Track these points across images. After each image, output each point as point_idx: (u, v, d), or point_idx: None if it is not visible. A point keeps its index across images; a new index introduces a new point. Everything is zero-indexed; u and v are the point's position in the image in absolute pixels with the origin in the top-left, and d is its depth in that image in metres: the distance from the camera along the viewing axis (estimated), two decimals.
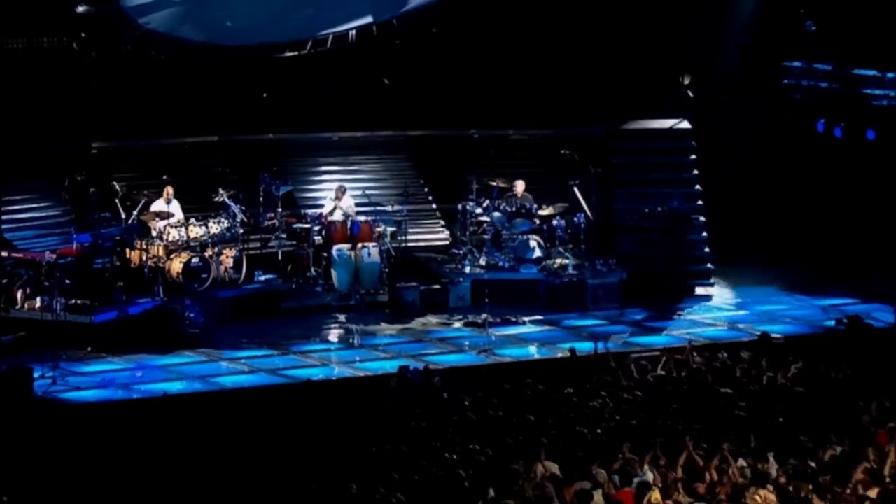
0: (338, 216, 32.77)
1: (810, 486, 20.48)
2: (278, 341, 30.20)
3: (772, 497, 20.39)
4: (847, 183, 35.19)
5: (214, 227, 31.60)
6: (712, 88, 35.85)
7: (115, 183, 31.66)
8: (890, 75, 35.10)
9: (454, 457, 22.76)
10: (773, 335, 30.05)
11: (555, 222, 33.58)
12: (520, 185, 33.99)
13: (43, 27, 30.89)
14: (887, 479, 20.73)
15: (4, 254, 30.38)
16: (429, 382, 26.15)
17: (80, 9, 30.58)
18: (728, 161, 35.44)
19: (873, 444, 22.12)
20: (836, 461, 21.81)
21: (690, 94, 35.47)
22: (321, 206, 33.24)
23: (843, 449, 22.15)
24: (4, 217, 31.51)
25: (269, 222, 32.46)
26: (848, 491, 20.51)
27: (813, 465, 21.57)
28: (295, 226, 32.68)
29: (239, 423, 24.82)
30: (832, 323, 30.85)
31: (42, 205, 32.32)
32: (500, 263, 33.15)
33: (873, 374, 26.70)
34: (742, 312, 32.95)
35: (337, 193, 33.10)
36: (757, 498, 20.42)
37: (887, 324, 30.49)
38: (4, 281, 30.03)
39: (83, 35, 30.96)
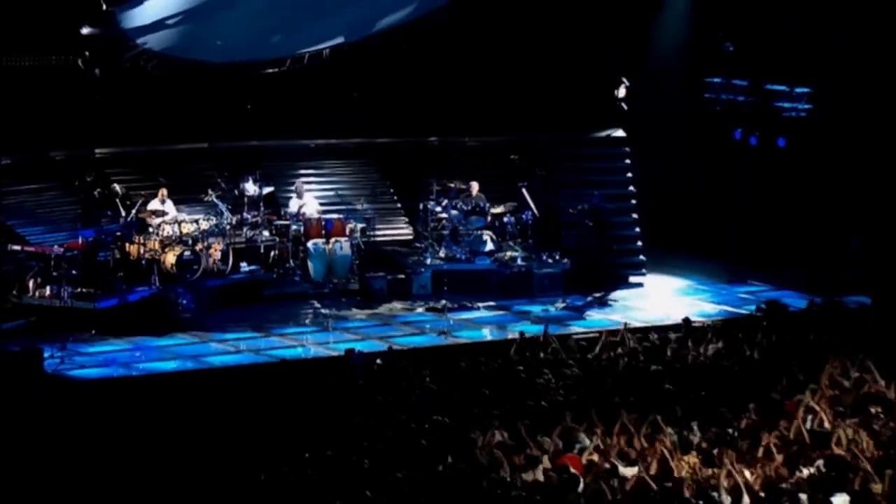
0: (311, 213, 32.66)
1: (729, 451, 20.46)
2: (261, 325, 30.17)
3: (695, 461, 20.38)
4: (761, 185, 35.25)
5: (204, 224, 31.54)
6: (643, 101, 35.55)
7: (115, 185, 31.83)
8: (798, 90, 35.26)
9: (416, 427, 22.55)
10: (697, 319, 30.09)
11: (505, 219, 33.72)
12: (475, 186, 34.07)
13: (51, 47, 30.93)
14: (793, 444, 20.78)
15: (17, 247, 30.32)
16: (373, 364, 26.15)
17: (85, 30, 30.46)
18: (657, 165, 35.27)
19: (783, 413, 22.14)
20: (750, 429, 21.79)
21: (624, 106, 35.34)
22: (296, 203, 32.97)
23: (757, 418, 22.18)
24: (18, 215, 31.38)
25: (253, 219, 32.23)
26: (760, 454, 20.52)
27: (731, 432, 21.61)
28: (276, 222, 32.63)
29: (226, 397, 24.81)
30: (751, 308, 30.78)
31: (50, 204, 32.04)
32: (458, 256, 33.13)
33: (785, 352, 26.67)
34: (670, 299, 32.74)
35: (298, 192, 33.15)
36: (682, 462, 20.34)
37: (797, 308, 30.25)
38: (18, 271, 29.95)
39: (87, 53, 30.84)
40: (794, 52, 35.23)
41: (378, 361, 26.27)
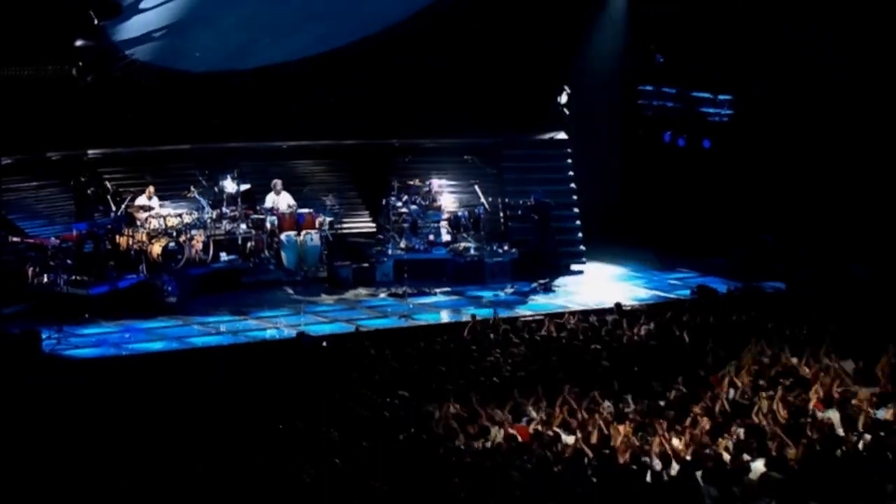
0: (284, 208, 32.58)
1: (659, 420, 20.56)
2: (239, 309, 30.09)
3: (629, 430, 20.38)
4: (688, 181, 35.28)
5: (187, 218, 31.59)
6: (583, 107, 35.59)
7: (106, 183, 31.72)
8: (721, 97, 35.37)
9: (380, 401, 22.55)
10: (632, 303, 30.40)
11: (460, 213, 33.75)
12: (433, 184, 34.18)
13: (48, 58, 30.69)
14: (717, 414, 20.91)
15: (17, 239, 30.26)
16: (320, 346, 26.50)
17: (78, 43, 30.32)
18: (595, 164, 35.32)
19: (708, 387, 22.32)
20: (678, 401, 21.86)
21: (566, 111, 35.36)
22: (271, 199, 32.94)
23: (685, 391, 22.29)
24: (17, 210, 31.28)
25: (231, 214, 32.23)
26: (687, 423, 20.62)
27: (661, 404, 21.71)
28: (252, 216, 32.46)
29: (207, 374, 24.85)
30: (680, 293, 31.11)
31: (47, 200, 32.05)
32: (417, 246, 33.14)
33: (709, 332, 26.77)
34: (608, 285, 32.81)
35: (275, 189, 32.94)
36: (618, 431, 20.38)
37: (719, 292, 30.41)
38: (18, 261, 29.97)
39: (81, 64, 30.65)
40: (717, 63, 35.33)
41: (324, 343, 26.46)
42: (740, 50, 34.28)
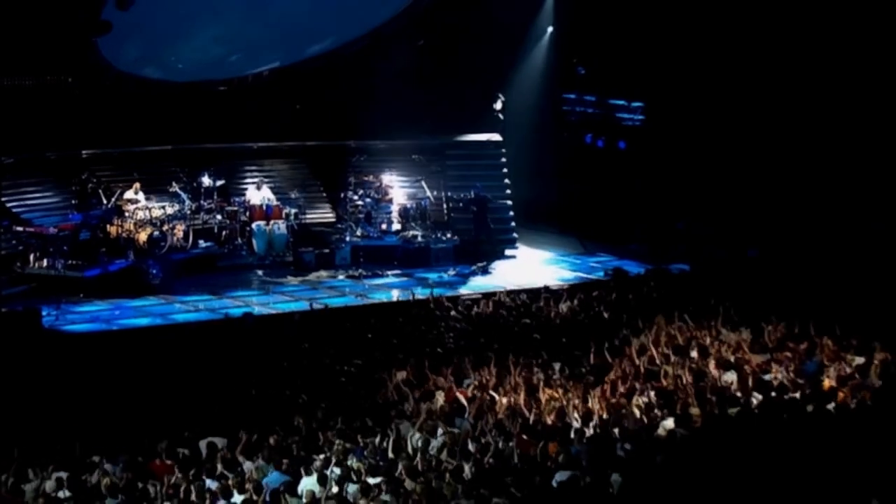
0: (256, 201, 32.42)
1: (581, 384, 20.64)
2: (215, 289, 29.89)
3: (555, 392, 20.43)
4: (606, 177, 35.43)
5: (169, 210, 31.43)
6: (515, 112, 35.61)
7: (98, 179, 31.62)
8: (634, 104, 35.80)
9: (338, 368, 22.68)
10: (558, 283, 30.34)
11: (408, 205, 33.71)
12: (384, 179, 34.08)
13: (47, 69, 30.66)
14: (631, 379, 21.12)
15: (20, 228, 30.15)
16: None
17: (73, 56, 30.08)
18: (526, 162, 35.32)
19: (624, 355, 22.39)
20: (598, 367, 21.94)
21: (501, 116, 35.29)
22: (244, 194, 32.94)
23: (603, 359, 22.39)
24: (20, 203, 31.12)
25: (209, 206, 32.13)
26: (606, 386, 20.77)
27: (583, 370, 21.82)
28: (227, 208, 32.32)
29: (187, 346, 24.89)
30: (600, 274, 30.93)
31: (46, 194, 31.66)
32: (371, 234, 33.09)
33: (625, 308, 26.85)
34: (537, 268, 32.79)
35: (258, 186, 32.89)
36: (546, 393, 20.43)
37: (635, 273, 30.50)
38: (21, 247, 29.90)
39: (75, 75, 30.48)
40: (630, 75, 35.46)
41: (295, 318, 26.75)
42: (650, 63, 34.39)
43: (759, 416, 19.44)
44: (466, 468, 17.63)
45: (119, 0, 29.62)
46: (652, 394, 20.37)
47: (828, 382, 20.71)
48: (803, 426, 18.90)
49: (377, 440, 19.04)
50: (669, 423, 19.01)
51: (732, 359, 21.95)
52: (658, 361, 21.89)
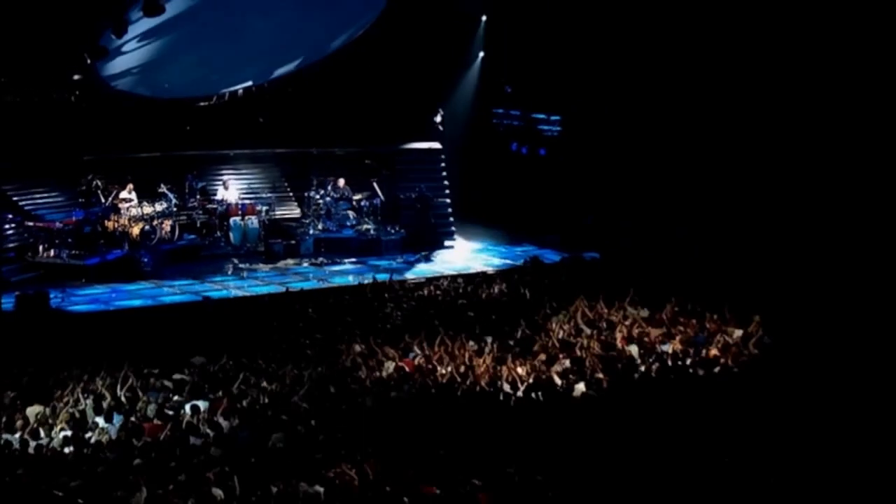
0: (231, 199, 32.36)
1: (509, 355, 20.73)
2: (198, 275, 29.81)
3: (489, 361, 20.49)
4: (530, 179, 35.53)
5: (158, 207, 31.42)
6: (453, 124, 35.69)
7: (97, 181, 31.30)
8: (553, 118, 35.92)
9: (302, 341, 22.80)
10: (489, 268, 30.53)
11: (363, 203, 33.71)
12: (342, 181, 34.01)
13: (53, 88, 30.49)
14: (550, 349, 21.22)
15: (31, 223, 30.04)
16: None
17: (76, 77, 29.99)
18: (461, 166, 35.43)
19: (544, 329, 22.56)
20: (523, 340, 22.05)
21: (441, 127, 35.35)
22: (221, 193, 32.85)
23: (527, 333, 22.50)
24: (31, 201, 30.90)
25: (192, 204, 32.06)
26: (530, 356, 20.92)
27: (511, 343, 21.89)
28: (207, 206, 32.31)
29: (171, 322, 24.90)
30: (522, 262, 30.91)
31: (53, 195, 31.52)
32: (330, 228, 33.14)
33: (545, 290, 26.92)
34: (472, 256, 32.91)
35: (225, 186, 32.89)
36: (480, 363, 20.49)
37: (553, 260, 30.64)
38: (31, 239, 29.81)
39: (77, 92, 30.40)
40: (549, 93, 35.59)
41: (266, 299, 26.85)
42: (565, 83, 34.53)
43: (656, 380, 19.66)
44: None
45: (115, 29, 29.56)
46: (567, 362, 20.49)
47: (713, 351, 20.96)
48: (693, 388, 19.16)
49: (337, 403, 19.11)
50: (581, 386, 19.16)
51: (635, 333, 22.13)
52: (573, 335, 22.06)
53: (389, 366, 21.00)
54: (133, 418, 18.51)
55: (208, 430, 17.83)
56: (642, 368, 20.26)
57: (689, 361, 20.35)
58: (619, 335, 21.82)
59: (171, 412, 18.66)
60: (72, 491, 15.10)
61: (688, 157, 31.28)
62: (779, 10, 28.94)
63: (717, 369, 19.92)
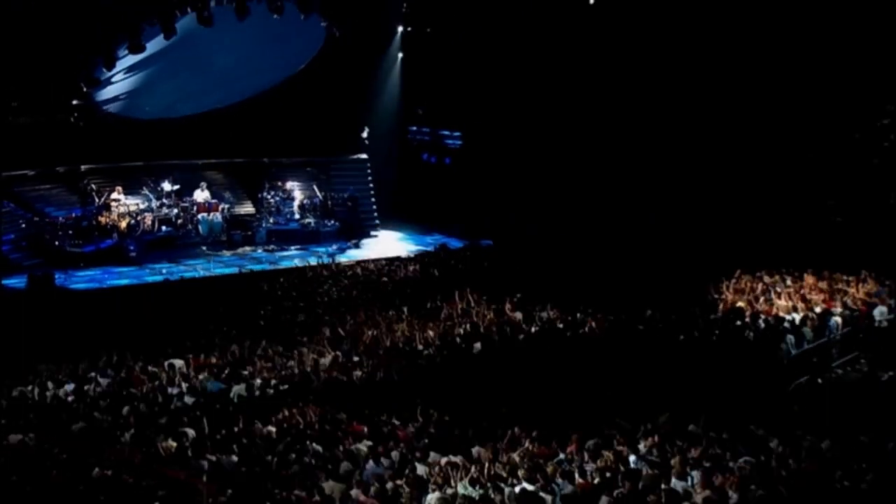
0: (200, 199, 32.13)
1: (422, 321, 20.96)
2: (174, 260, 29.68)
3: (405, 326, 20.71)
4: (438, 182, 35.47)
5: (142, 205, 31.27)
6: (376, 139, 35.60)
7: (92, 184, 31.11)
8: (455, 133, 35.97)
9: (258, 313, 22.64)
10: (406, 253, 30.61)
11: (305, 202, 33.61)
12: (288, 184, 34.06)
13: (55, 110, 29.96)
14: (454, 317, 21.51)
15: (39, 219, 29.75)
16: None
17: (74, 101, 29.71)
18: (384, 172, 35.39)
19: (450, 301, 22.61)
20: (433, 309, 22.31)
21: (367, 142, 35.26)
22: (192, 194, 32.41)
23: (437, 304, 22.67)
24: (38, 202, 30.42)
25: (169, 203, 31.78)
26: (439, 321, 21.25)
27: (423, 311, 22.23)
28: (181, 205, 31.93)
29: (155, 298, 24.89)
30: (432, 248, 31.11)
31: (57, 195, 31.07)
32: (280, 222, 32.86)
33: (450, 270, 27.15)
34: (392, 243, 32.97)
35: (201, 189, 32.45)
36: (398, 327, 20.70)
37: (456, 247, 30.79)
38: (40, 232, 29.54)
39: (76, 114, 30.05)
40: (452, 114, 35.74)
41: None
42: (465, 106, 34.68)
43: (536, 339, 19.97)
44: (345, 378, 17.92)
45: (105, 63, 29.36)
46: (467, 326, 20.75)
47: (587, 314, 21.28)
48: (565, 344, 19.50)
49: (286, 361, 19.21)
50: (478, 345, 19.43)
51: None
52: (472, 305, 22.27)
53: (327, 331, 21.17)
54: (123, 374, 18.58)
55: (183, 384, 17.88)
56: (526, 330, 20.58)
57: (561, 325, 20.66)
58: (508, 305, 22.07)
59: (153, 369, 18.69)
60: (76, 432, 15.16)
61: (562, 164, 31.69)
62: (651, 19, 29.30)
63: (582, 330, 20.25)
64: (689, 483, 12.26)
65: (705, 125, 29.30)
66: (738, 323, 20.29)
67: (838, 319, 19.95)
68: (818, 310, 20.42)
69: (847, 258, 23.68)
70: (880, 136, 27.09)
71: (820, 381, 17.41)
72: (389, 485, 12.94)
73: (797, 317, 20.27)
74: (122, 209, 30.51)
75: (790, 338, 19.10)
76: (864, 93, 27.13)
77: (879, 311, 20.18)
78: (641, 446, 13.73)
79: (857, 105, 27.24)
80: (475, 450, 14.01)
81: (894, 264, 22.91)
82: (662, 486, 12.03)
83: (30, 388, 17.69)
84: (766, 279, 23.18)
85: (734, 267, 23.73)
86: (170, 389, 17.54)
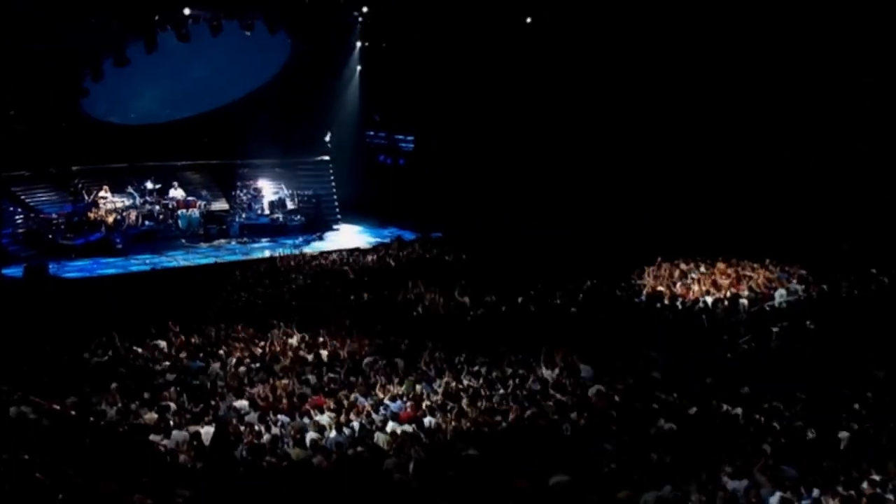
0: (179, 197, 31.93)
1: (382, 305, 21.04)
2: (156, 251, 29.42)
3: (364, 310, 20.73)
4: (393, 181, 35.36)
5: (127, 202, 30.86)
6: (338, 142, 35.61)
7: (82, 184, 30.73)
8: (408, 138, 35.79)
9: (235, 297, 22.53)
10: (364, 244, 30.49)
11: (274, 199, 33.30)
12: (259, 183, 33.75)
13: (50, 118, 29.75)
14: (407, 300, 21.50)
15: (34, 215, 29.50)
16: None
17: (65, 110, 29.63)
18: (345, 173, 35.24)
19: (405, 287, 22.61)
20: (388, 294, 22.37)
21: (329, 145, 35.25)
22: (169, 192, 32.21)
23: (391, 289, 22.62)
24: (35, 200, 30.22)
25: (152, 200, 31.48)
26: (394, 306, 21.12)
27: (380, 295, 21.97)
28: (162, 202, 31.68)
29: (139, 286, 24.48)
30: (388, 239, 31.07)
31: (50, 195, 30.77)
32: (251, 217, 32.60)
33: (406, 259, 27.18)
34: (353, 236, 32.85)
35: (175, 187, 32.22)
36: (357, 311, 20.72)
37: (410, 238, 30.93)
38: (35, 227, 29.26)
39: (68, 122, 30.06)
40: (405, 120, 35.72)
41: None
42: (417, 114, 34.72)
43: (480, 318, 20.16)
44: (311, 356, 17.94)
45: (93, 75, 29.22)
46: (420, 308, 20.89)
47: (521, 300, 21.49)
48: (497, 321, 19.82)
49: (257, 341, 19.17)
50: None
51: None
52: (422, 292, 22.37)
53: (294, 314, 21.12)
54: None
55: (167, 362, 17.82)
56: (471, 312, 20.75)
57: (503, 308, 20.86)
58: (456, 290, 22.21)
59: (139, 349, 18.61)
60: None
61: (504, 163, 31.91)
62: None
63: (518, 306, 20.51)
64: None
65: (632, 126, 29.77)
66: (658, 305, 20.65)
67: (745, 301, 20.34)
68: (728, 293, 20.82)
69: (753, 248, 24.18)
70: (788, 138, 27.54)
71: (729, 354, 17.81)
72: (350, 451, 13.08)
73: (710, 299, 20.64)
74: (108, 206, 30.20)
75: (704, 317, 19.47)
76: (760, 94, 27.61)
77: (779, 294, 20.58)
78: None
79: (767, 108, 27.69)
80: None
81: (793, 253, 23.44)
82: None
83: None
84: (683, 266, 23.54)
85: (655, 255, 24.09)
86: (154, 366, 17.51)
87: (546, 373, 16.44)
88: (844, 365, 16.58)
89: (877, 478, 11.76)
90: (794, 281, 22.17)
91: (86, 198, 30.32)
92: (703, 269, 23.31)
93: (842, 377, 16.01)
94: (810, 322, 19.16)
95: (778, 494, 11.31)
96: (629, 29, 29.04)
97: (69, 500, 10.91)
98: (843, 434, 13.45)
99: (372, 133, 37.27)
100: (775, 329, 18.80)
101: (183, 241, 30.75)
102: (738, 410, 14.60)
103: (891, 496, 11.27)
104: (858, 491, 11.40)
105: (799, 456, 12.68)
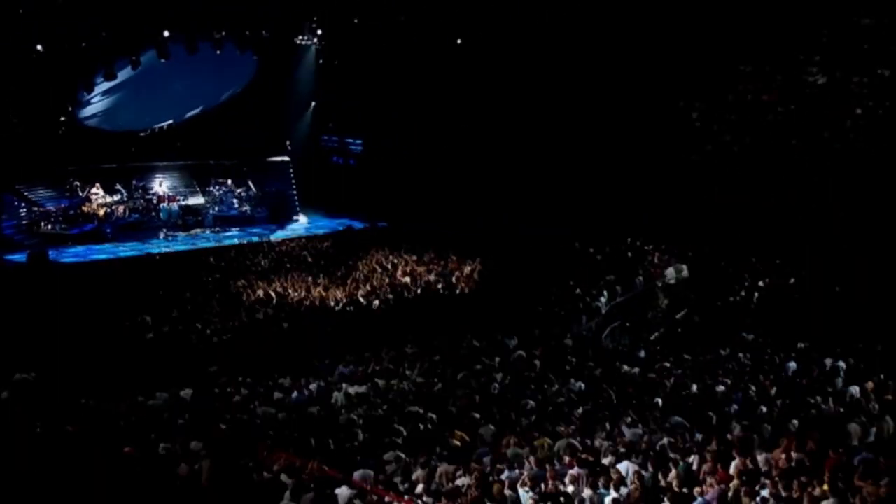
0: (161, 192, 31.44)
1: (336, 284, 20.84)
2: (142, 239, 28.93)
3: (321, 289, 20.70)
4: (345, 178, 35.01)
5: (116, 198, 30.39)
6: (297, 145, 35.27)
7: (77, 182, 30.04)
8: (357, 141, 35.48)
9: (209, 279, 22.39)
10: (320, 232, 30.16)
11: (243, 194, 32.95)
12: (229, 181, 33.30)
13: (48, 124, 29.11)
14: (358, 280, 21.43)
15: (35, 209, 28.79)
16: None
17: (62, 118, 29.14)
18: (303, 172, 34.89)
19: (357, 267, 22.36)
20: (343, 274, 22.24)
21: (289, 147, 34.89)
22: (153, 188, 31.67)
23: (347, 270, 22.34)
24: (36, 195, 29.39)
25: (137, 196, 31.01)
26: (347, 285, 21.06)
27: (338, 276, 21.90)
28: (146, 197, 31.23)
29: (128, 271, 24.30)
30: (341, 228, 30.87)
31: (49, 191, 29.94)
32: (223, 210, 32.23)
33: (354, 245, 27.04)
34: (310, 225, 32.54)
35: (160, 184, 31.75)
36: (316, 290, 20.66)
37: (360, 227, 30.71)
38: (36, 219, 28.61)
39: (63, 128, 29.51)
40: (355, 126, 35.51)
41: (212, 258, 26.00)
42: (365, 120, 34.57)
43: (420, 297, 20.16)
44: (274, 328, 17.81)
45: (85, 88, 28.68)
46: (368, 287, 20.84)
47: (457, 278, 21.56)
48: (443, 302, 19.76)
49: (229, 315, 19.00)
50: (376, 302, 19.54)
51: (409, 269, 22.58)
52: (370, 271, 22.36)
53: (260, 292, 21.00)
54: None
55: (151, 335, 17.59)
56: (413, 291, 20.75)
57: (440, 286, 20.90)
58: (399, 271, 22.24)
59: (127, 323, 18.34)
60: None
61: (440, 162, 31.82)
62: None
63: (457, 291, 20.51)
64: None
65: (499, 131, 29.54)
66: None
67: (640, 278, 20.63)
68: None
69: (651, 232, 24.27)
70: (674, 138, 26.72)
71: (628, 324, 18.07)
72: (312, 409, 13.07)
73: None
74: (100, 201, 29.70)
75: (605, 293, 19.70)
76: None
77: (669, 272, 20.92)
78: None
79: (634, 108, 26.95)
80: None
81: (682, 238, 23.72)
82: None
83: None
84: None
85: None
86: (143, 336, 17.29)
87: (475, 343, 16.55)
88: (721, 331, 16.96)
89: (745, 423, 12.05)
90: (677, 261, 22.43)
91: (80, 194, 29.72)
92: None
93: (719, 341, 16.38)
94: (692, 295, 19.51)
95: (666, 439, 11.53)
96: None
97: None
98: (720, 388, 13.76)
99: (326, 137, 36.98)
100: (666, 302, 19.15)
101: (164, 230, 30.27)
102: (636, 370, 14.85)
103: (756, 436, 11.56)
104: (732, 434, 11.67)
105: (684, 407, 12.93)
